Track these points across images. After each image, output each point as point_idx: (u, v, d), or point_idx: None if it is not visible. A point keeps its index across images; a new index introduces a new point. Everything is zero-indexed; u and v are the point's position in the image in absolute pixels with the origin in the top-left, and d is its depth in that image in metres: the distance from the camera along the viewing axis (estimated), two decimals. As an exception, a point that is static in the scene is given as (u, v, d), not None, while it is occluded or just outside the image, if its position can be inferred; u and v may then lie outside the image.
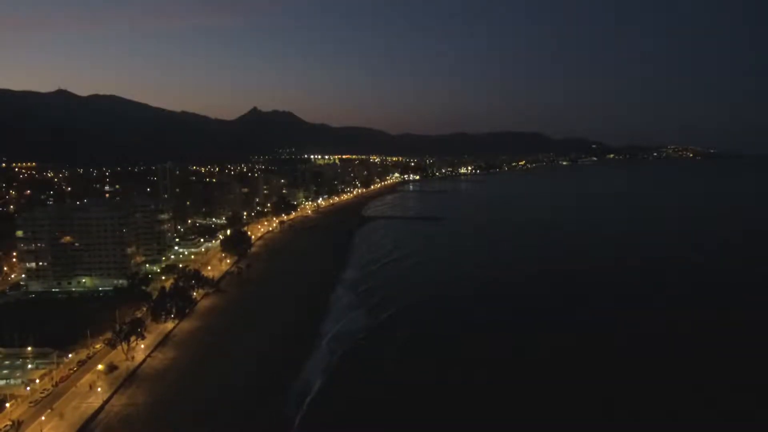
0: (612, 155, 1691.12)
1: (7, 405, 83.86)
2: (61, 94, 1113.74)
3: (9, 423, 78.29)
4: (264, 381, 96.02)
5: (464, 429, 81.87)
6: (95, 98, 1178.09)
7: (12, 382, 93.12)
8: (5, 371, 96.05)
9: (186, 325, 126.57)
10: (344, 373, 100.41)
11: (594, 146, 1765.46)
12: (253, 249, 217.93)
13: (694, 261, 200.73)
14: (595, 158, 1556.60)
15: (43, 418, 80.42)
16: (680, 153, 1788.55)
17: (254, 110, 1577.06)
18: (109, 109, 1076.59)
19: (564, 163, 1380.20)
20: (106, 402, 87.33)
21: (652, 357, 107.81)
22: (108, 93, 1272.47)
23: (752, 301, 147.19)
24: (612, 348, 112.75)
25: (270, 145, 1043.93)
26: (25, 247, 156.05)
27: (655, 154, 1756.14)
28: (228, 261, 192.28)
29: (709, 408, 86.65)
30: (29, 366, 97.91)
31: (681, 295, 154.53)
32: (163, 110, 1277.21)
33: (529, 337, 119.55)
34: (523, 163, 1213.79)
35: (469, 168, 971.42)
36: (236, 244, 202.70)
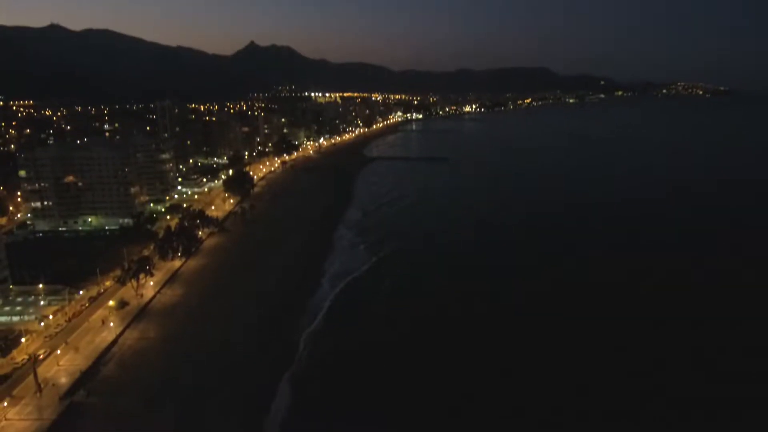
0: (620, 92, 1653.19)
1: (23, 340, 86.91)
2: (55, 29, 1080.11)
3: (26, 356, 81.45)
4: (269, 315, 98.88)
5: (454, 355, 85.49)
6: (89, 33, 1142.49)
7: (26, 318, 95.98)
8: (19, 308, 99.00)
9: (193, 263, 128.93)
10: (344, 307, 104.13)
11: (602, 83, 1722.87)
12: (256, 189, 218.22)
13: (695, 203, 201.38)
14: (602, 95, 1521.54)
15: (58, 351, 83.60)
16: (690, 90, 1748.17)
17: (252, 45, 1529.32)
18: (103, 45, 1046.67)
19: (571, 100, 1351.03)
20: (119, 336, 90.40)
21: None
22: (102, 27, 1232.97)
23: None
24: (617, 287, 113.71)
25: (269, 81, 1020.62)
26: (29, 187, 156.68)
27: (664, 91, 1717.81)
28: (231, 201, 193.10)
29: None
30: (42, 302, 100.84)
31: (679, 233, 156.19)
32: (158, 45, 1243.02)
33: (526, 276, 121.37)
34: (528, 101, 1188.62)
35: (474, 106, 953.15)
36: (239, 185, 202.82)
